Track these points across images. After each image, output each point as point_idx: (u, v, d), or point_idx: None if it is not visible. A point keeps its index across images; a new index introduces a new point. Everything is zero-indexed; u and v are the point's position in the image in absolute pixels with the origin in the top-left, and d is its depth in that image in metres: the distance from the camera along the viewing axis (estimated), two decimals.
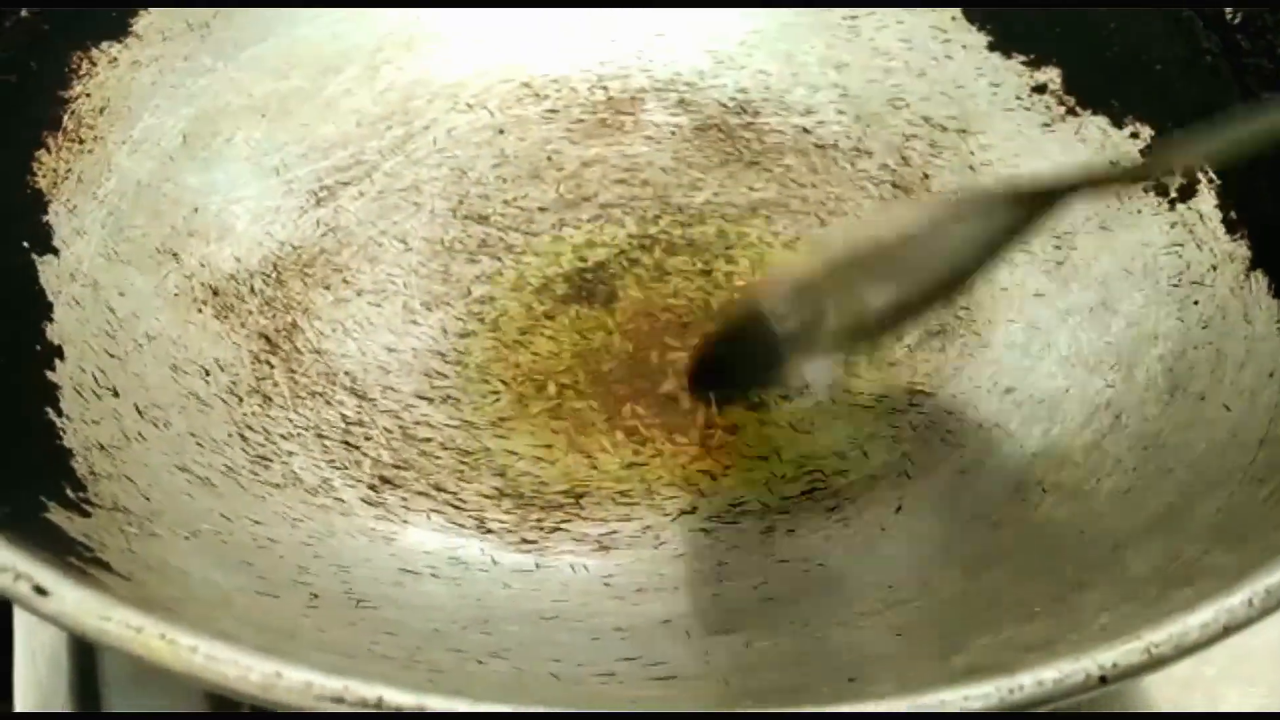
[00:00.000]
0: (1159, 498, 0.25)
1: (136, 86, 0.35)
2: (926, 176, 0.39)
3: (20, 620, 0.31)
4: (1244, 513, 0.22)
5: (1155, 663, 0.16)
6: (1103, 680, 0.16)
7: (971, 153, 0.39)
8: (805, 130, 0.41)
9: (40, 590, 0.16)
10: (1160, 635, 0.17)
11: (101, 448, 0.26)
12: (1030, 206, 0.24)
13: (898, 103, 0.40)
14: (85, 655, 0.30)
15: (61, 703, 0.29)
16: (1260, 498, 0.22)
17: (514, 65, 0.42)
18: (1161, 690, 0.31)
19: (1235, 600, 0.17)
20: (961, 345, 0.34)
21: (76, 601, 0.16)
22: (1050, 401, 0.31)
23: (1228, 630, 0.17)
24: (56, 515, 0.22)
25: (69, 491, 0.23)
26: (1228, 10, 0.34)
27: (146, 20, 0.36)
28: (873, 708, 0.15)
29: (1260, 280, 0.30)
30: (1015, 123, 0.38)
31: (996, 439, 0.31)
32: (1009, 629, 0.22)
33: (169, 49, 0.37)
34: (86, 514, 0.23)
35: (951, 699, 0.15)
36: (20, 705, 0.29)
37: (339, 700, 0.14)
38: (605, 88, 0.42)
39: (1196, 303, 0.31)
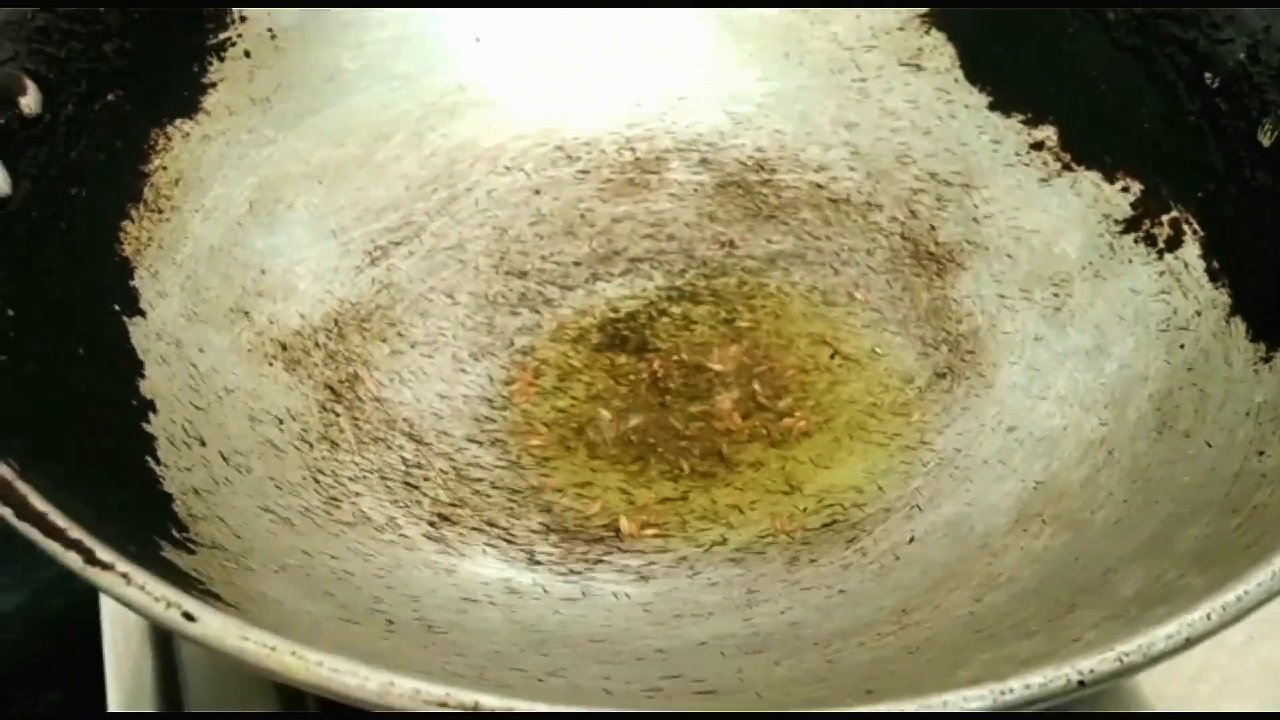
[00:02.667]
0: (1146, 527, 0.28)
1: (207, 159, 0.39)
2: (933, 228, 0.42)
3: (109, 633, 0.34)
4: (1218, 540, 0.25)
5: (1127, 670, 0.19)
6: (1081, 684, 0.19)
7: (975, 205, 0.42)
8: (819, 186, 0.44)
9: (189, 616, 0.19)
10: (1130, 645, 0.19)
11: (196, 492, 0.29)
12: None
13: (905, 159, 0.44)
14: (168, 662, 0.33)
15: (147, 703, 0.32)
16: (1232, 526, 0.25)
17: (548, 129, 0.45)
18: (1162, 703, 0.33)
19: (1195, 615, 0.20)
20: (968, 386, 0.37)
21: (220, 625, 0.18)
22: (1050, 439, 0.34)
23: (1190, 641, 0.19)
24: (169, 553, 0.25)
25: (175, 532, 0.26)
26: (1207, 75, 0.37)
27: (215, 98, 0.40)
28: (882, 708, 0.18)
29: (1239, 326, 0.33)
30: (1015, 178, 0.41)
31: (1000, 474, 0.33)
32: (1009, 645, 0.25)
33: (234, 123, 0.40)
34: (192, 551, 0.26)
35: (953, 700, 0.18)
36: (113, 706, 0.32)
37: (443, 704, 0.17)
38: (633, 149, 0.45)
39: (1182, 346, 0.34)
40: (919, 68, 0.44)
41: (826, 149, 0.44)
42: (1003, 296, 0.39)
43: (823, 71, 0.45)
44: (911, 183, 0.43)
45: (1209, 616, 0.20)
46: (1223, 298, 0.34)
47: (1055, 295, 0.38)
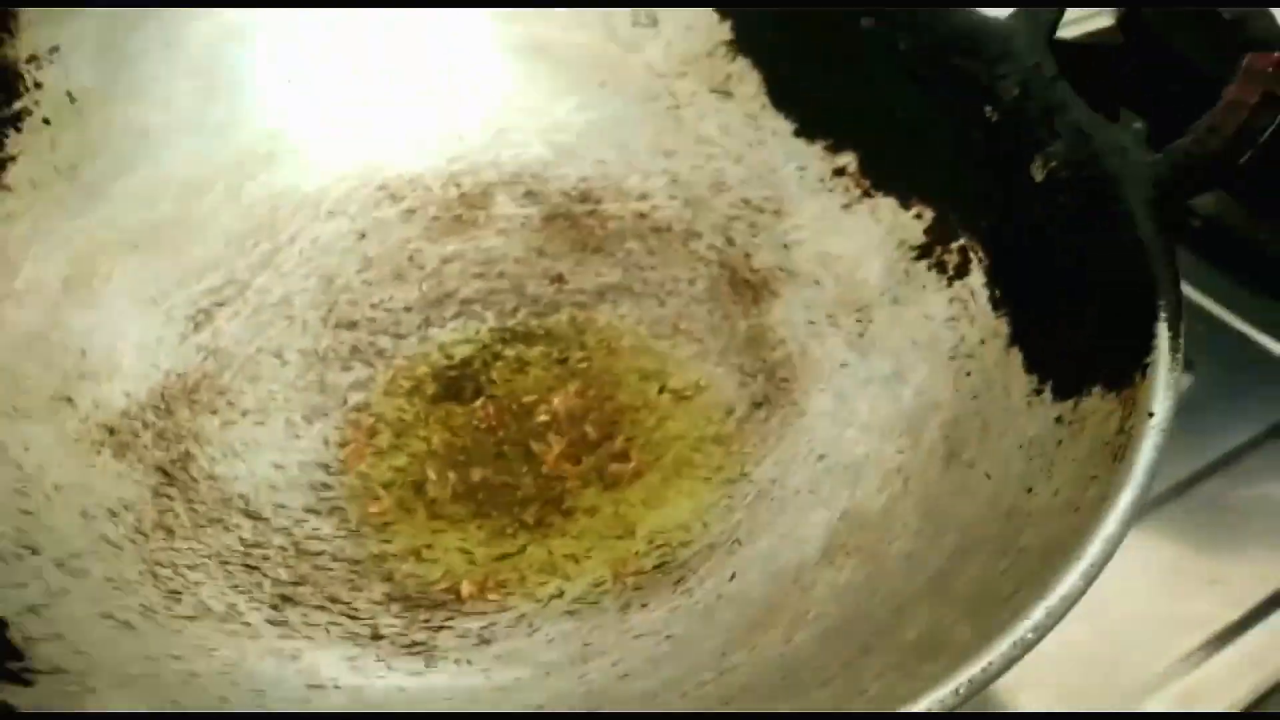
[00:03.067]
0: (934, 562, 0.31)
1: (14, 238, 0.38)
2: (749, 255, 0.44)
3: None
4: (986, 585, 0.28)
5: None
6: None
7: (785, 232, 0.44)
8: (642, 215, 0.46)
9: None
10: None
11: (31, 610, 0.29)
12: None
13: (720, 186, 0.45)
14: None
15: None
16: (999, 570, 0.28)
17: (370, 168, 0.45)
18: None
19: (944, 692, 0.22)
20: (783, 415, 0.39)
21: None
22: (854, 467, 0.36)
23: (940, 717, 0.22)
24: (6, 693, 0.25)
25: (10, 663, 0.26)
26: (987, 108, 0.40)
27: (16, 172, 0.39)
28: None
29: (1017, 356, 0.36)
30: (821, 204, 0.44)
31: (811, 504, 0.36)
32: (810, 694, 0.27)
33: (40, 196, 0.39)
34: (30, 684, 0.26)
35: None
36: None
37: None
38: (458, 184, 0.46)
39: (969, 374, 0.37)
40: (729, 94, 0.46)
41: (647, 177, 0.46)
42: (812, 323, 0.41)
43: (639, 99, 0.46)
44: (727, 209, 0.45)
45: (957, 691, 0.22)
46: (1004, 326, 0.37)
47: (859, 321, 0.41)
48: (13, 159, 0.39)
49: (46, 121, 0.40)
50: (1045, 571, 0.26)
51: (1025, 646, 0.23)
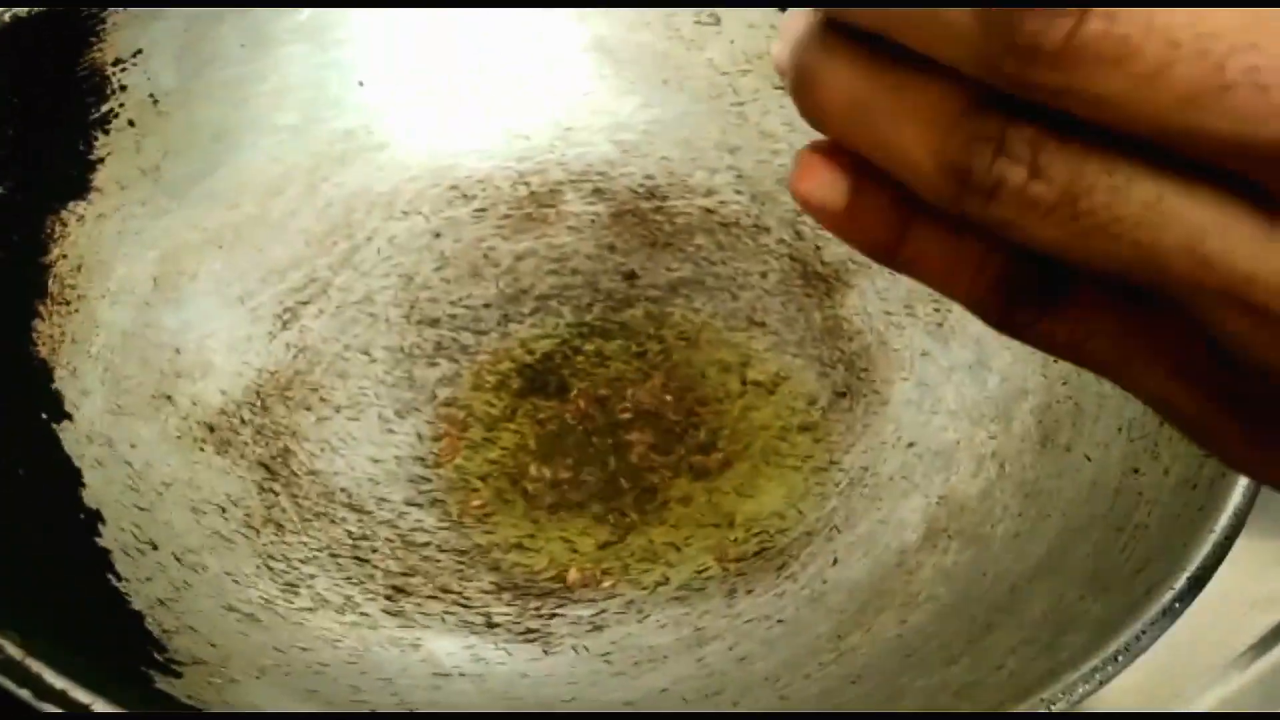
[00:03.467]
0: (1042, 542, 0.32)
1: (105, 239, 0.38)
2: (818, 248, 0.45)
3: None
4: (1106, 561, 0.29)
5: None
6: None
7: None
8: (709, 210, 0.46)
9: None
10: (1053, 691, 0.23)
11: (161, 603, 0.29)
12: None
13: (786, 181, 0.46)
14: None
15: None
16: (1118, 547, 0.29)
17: (440, 169, 0.46)
18: None
19: (1100, 658, 0.23)
20: (866, 404, 0.40)
21: None
22: (945, 453, 0.37)
23: (1101, 683, 0.23)
24: (162, 683, 0.25)
25: (156, 655, 0.27)
26: None
27: (104, 173, 0.39)
28: None
29: None
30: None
31: (905, 490, 0.37)
32: (939, 672, 0.28)
33: (127, 197, 0.39)
34: (179, 674, 0.26)
35: None
36: None
37: None
38: (526, 183, 0.46)
39: (1056, 360, 0.37)
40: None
41: (712, 173, 0.46)
42: (889, 313, 0.42)
43: (703, 97, 0.47)
44: (794, 204, 0.45)
45: (1116, 657, 0.23)
46: None
47: (936, 310, 0.41)
48: (101, 161, 0.39)
49: (131, 124, 0.40)
50: (1171, 546, 0.27)
51: (1174, 615, 0.24)
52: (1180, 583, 0.24)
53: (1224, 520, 0.26)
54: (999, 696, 0.24)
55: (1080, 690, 0.23)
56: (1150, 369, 0.16)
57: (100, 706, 0.21)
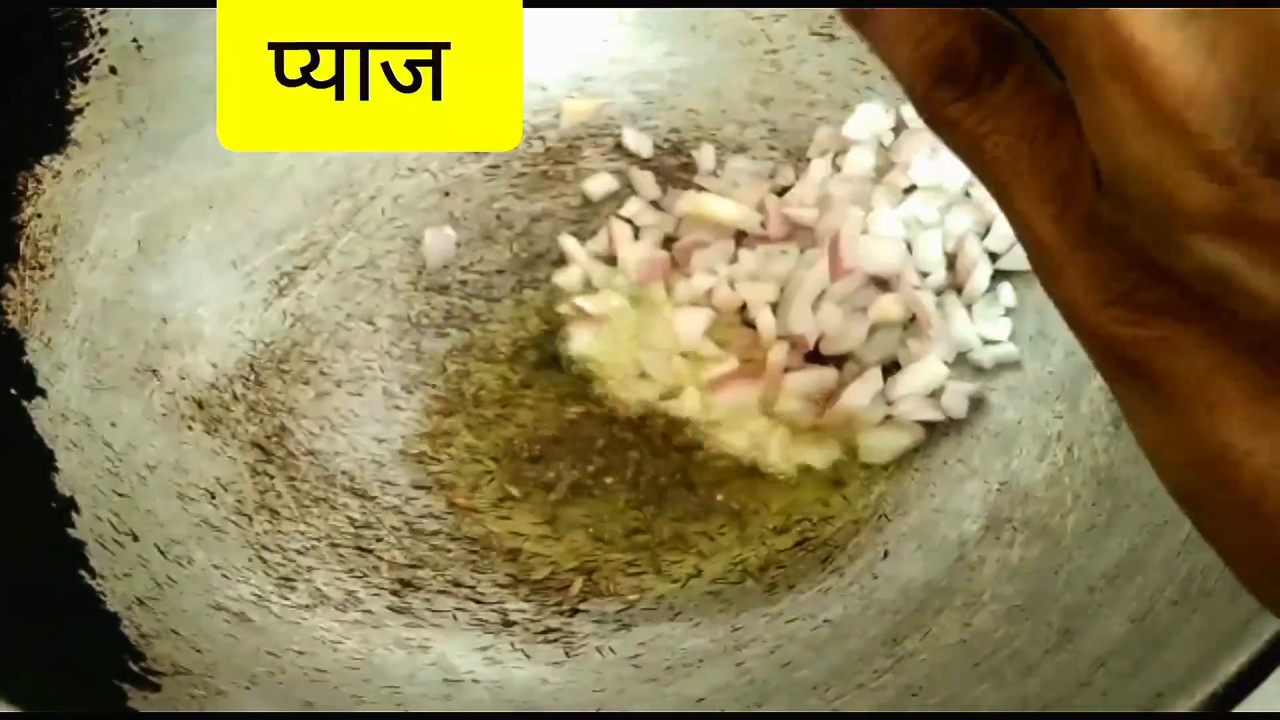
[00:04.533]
0: (1121, 536, 0.28)
1: (84, 197, 0.35)
2: None
3: None
4: (1204, 560, 0.25)
5: None
6: None
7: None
8: (739, 168, 0.43)
9: None
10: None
11: (140, 602, 0.26)
12: None
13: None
14: None
15: None
16: None
17: None
18: None
19: (1224, 676, 0.20)
20: None
21: None
22: (1005, 435, 0.34)
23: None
24: (135, 700, 0.22)
25: (131, 664, 0.24)
26: None
27: (83, 125, 0.36)
28: None
29: None
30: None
31: (961, 475, 0.33)
32: (1015, 686, 0.25)
33: (109, 151, 0.36)
34: (156, 687, 0.23)
35: None
36: None
37: None
38: (542, 138, 0.43)
39: None
40: (832, 37, 0.43)
41: (743, 127, 0.43)
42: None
43: (733, 44, 0.43)
44: None
45: (1238, 681, 0.20)
46: None
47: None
48: (79, 111, 0.36)
49: (113, 71, 0.37)
50: None
51: None
52: None
53: None
54: None
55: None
56: (1031, 182, 0.17)
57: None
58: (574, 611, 0.31)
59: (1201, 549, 0.26)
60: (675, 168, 0.43)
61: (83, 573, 0.26)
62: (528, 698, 0.28)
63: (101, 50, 0.36)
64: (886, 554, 0.32)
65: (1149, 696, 0.21)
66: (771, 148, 0.43)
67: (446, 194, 0.41)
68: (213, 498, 0.31)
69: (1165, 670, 0.22)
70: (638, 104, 0.43)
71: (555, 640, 0.30)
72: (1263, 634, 0.21)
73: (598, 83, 0.44)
